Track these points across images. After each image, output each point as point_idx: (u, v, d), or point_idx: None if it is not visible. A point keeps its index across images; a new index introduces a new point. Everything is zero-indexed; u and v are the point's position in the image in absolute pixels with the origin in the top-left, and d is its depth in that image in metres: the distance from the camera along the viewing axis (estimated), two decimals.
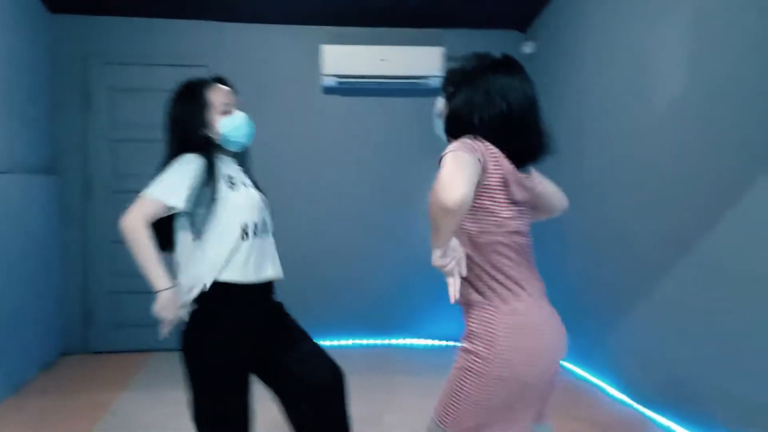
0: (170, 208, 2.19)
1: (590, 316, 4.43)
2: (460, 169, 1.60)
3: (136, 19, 5.21)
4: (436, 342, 5.44)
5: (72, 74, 5.16)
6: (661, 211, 3.62)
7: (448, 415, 1.80)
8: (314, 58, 5.32)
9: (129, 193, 5.05)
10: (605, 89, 4.29)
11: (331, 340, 5.31)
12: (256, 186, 2.43)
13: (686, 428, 3.34)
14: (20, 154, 4.46)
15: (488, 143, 1.77)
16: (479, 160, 1.69)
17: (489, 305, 1.78)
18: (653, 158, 3.69)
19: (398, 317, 5.49)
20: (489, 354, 1.74)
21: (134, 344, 5.21)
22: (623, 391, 4.00)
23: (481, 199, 1.76)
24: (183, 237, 2.25)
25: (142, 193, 2.20)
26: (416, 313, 5.48)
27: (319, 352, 2.38)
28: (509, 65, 1.90)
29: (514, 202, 1.81)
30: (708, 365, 3.18)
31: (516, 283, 1.80)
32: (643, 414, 3.71)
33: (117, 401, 3.97)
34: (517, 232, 1.83)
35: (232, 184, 2.28)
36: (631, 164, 3.94)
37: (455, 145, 1.71)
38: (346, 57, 5.21)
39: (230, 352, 2.19)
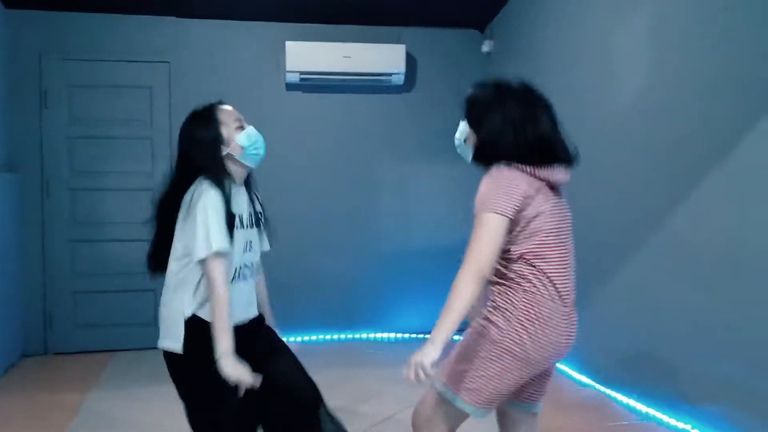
0: (227, 253, 2.13)
1: None
2: (492, 236, 1.85)
3: (93, 14, 5.12)
4: (402, 335, 5.51)
5: (29, 70, 5.04)
6: (622, 202, 3.79)
7: (456, 376, 1.95)
8: (278, 54, 5.34)
9: (88, 191, 5.10)
10: (562, 87, 4.44)
11: (298, 336, 5.34)
12: (257, 216, 2.44)
13: (646, 405, 3.51)
14: None
15: (521, 167, 1.95)
16: (516, 207, 1.89)
17: (519, 287, 1.93)
18: (614, 152, 3.86)
19: (365, 312, 5.54)
20: (505, 327, 1.91)
21: (96, 344, 5.13)
22: (585, 374, 4.15)
23: (529, 226, 1.94)
24: (177, 264, 2.20)
25: (206, 256, 2.07)
26: (382, 308, 5.55)
27: (298, 366, 2.38)
28: (529, 93, 2.09)
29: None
30: (666, 344, 3.36)
31: (542, 275, 1.94)
32: (605, 394, 3.88)
33: (86, 400, 3.92)
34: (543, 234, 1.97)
35: (241, 223, 2.26)
36: (592, 158, 4.09)
37: (488, 199, 1.88)
38: (309, 54, 5.26)
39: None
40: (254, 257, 2.36)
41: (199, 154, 2.21)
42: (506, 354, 1.90)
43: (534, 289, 1.92)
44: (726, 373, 2.96)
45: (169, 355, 2.21)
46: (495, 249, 1.87)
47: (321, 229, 5.50)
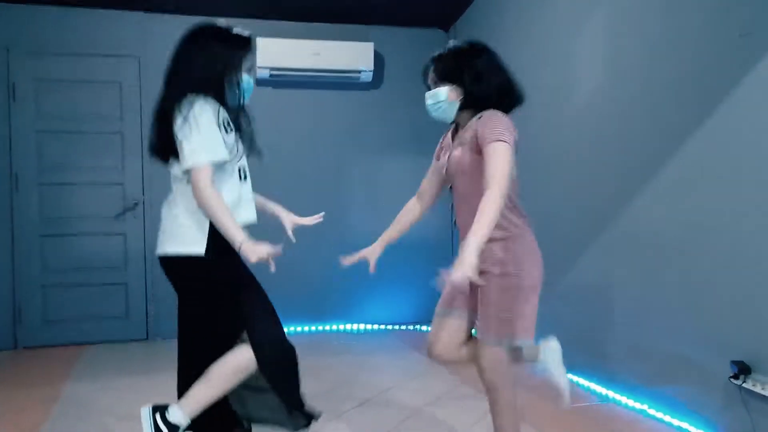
0: (219, 162, 2.24)
1: None
2: (509, 165, 2.21)
3: (62, 8, 5.13)
4: (372, 326, 5.65)
5: None
6: (580, 194, 3.99)
7: (506, 325, 2.34)
8: None
9: (57, 186, 5.11)
10: (526, 86, 4.62)
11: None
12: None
13: (606, 387, 3.73)
14: None
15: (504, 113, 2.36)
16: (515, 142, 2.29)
17: (511, 238, 2.34)
18: (573, 146, 4.06)
19: (335, 304, 5.67)
20: (521, 271, 2.34)
21: (66, 338, 5.15)
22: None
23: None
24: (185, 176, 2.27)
25: (193, 165, 2.17)
26: (352, 300, 5.68)
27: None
28: (483, 47, 2.45)
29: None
30: (623, 328, 3.57)
31: (525, 224, 2.42)
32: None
33: (63, 392, 3.95)
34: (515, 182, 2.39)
35: (230, 128, 2.35)
36: (553, 152, 4.30)
37: (505, 133, 2.26)
38: (279, 50, 5.35)
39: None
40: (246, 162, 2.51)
41: (209, 71, 2.28)
42: (527, 293, 2.35)
43: (522, 238, 2.37)
44: (679, 353, 3.19)
45: (186, 261, 2.30)
46: (510, 173, 2.21)
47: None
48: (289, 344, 2.50)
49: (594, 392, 3.80)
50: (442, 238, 5.90)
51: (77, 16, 5.17)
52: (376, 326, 5.65)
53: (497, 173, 2.15)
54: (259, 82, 5.50)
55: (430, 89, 2.48)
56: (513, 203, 2.38)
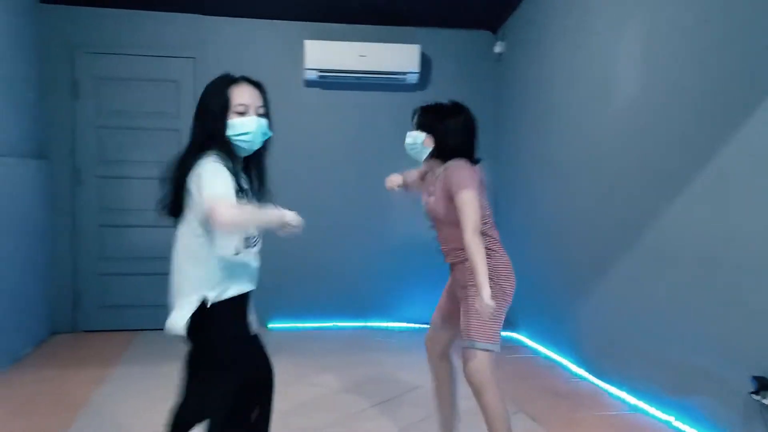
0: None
1: (553, 299, 4.79)
2: (477, 207, 2.56)
3: (123, 10, 5.38)
4: (409, 325, 5.73)
5: (60, 63, 5.32)
6: (615, 201, 3.98)
7: (487, 331, 2.62)
8: (297, 52, 5.57)
9: (116, 179, 5.38)
10: (566, 89, 4.62)
11: (310, 322, 5.62)
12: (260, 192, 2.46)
13: (636, 397, 3.71)
14: (11, 138, 4.62)
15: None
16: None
17: (490, 258, 2.59)
18: (610, 151, 4.04)
19: (375, 302, 5.78)
20: (493, 283, 2.56)
21: (120, 324, 5.44)
22: (582, 366, 4.36)
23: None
24: (189, 234, 2.27)
25: (212, 197, 2.07)
26: (391, 298, 5.78)
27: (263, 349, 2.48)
28: (461, 109, 2.80)
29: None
30: (653, 338, 3.55)
31: (497, 242, 2.74)
32: (598, 386, 4.08)
33: (110, 374, 4.21)
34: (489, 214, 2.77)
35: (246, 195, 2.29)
36: (590, 157, 4.29)
37: (468, 181, 2.59)
38: (327, 52, 5.48)
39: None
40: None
41: (202, 123, 2.31)
42: (503, 300, 2.66)
43: (495, 253, 2.68)
44: (702, 366, 3.16)
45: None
46: (480, 214, 2.58)
47: (335, 221, 5.73)
48: None
49: (623, 401, 3.79)
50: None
51: (137, 18, 5.42)
52: (414, 325, 5.73)
53: (469, 220, 2.53)
54: (308, 84, 5.66)
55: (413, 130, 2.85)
56: (483, 229, 2.63)
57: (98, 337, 5.26)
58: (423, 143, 2.78)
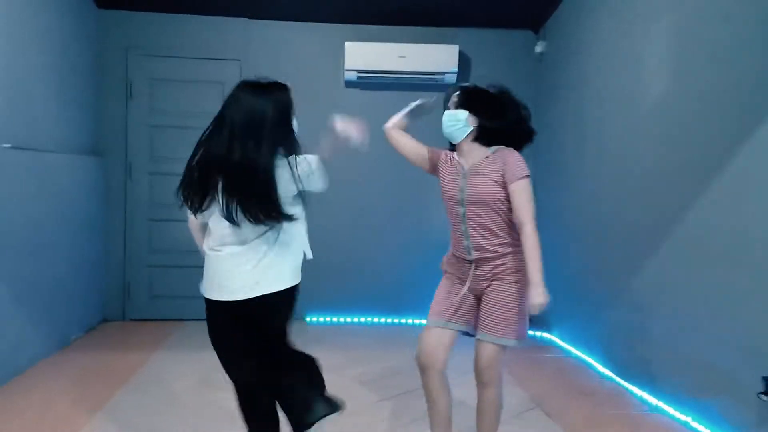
0: None
1: (586, 300, 4.77)
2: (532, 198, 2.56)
3: (173, 15, 5.66)
4: None
5: (115, 65, 5.64)
6: (646, 202, 3.94)
7: (519, 329, 2.63)
8: (337, 54, 5.73)
9: (165, 175, 5.65)
10: (602, 88, 4.60)
11: (348, 317, 5.76)
12: None
13: (657, 398, 3.68)
14: (68, 136, 4.94)
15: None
16: None
17: (519, 251, 2.59)
18: (639, 153, 4.02)
19: (409, 299, 5.86)
20: (524, 282, 2.58)
21: (166, 314, 5.70)
22: (608, 367, 4.34)
23: None
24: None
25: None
26: (426, 296, 5.83)
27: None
28: (508, 93, 2.72)
29: None
30: (675, 339, 3.52)
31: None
32: (622, 386, 4.06)
33: (150, 359, 4.45)
34: None
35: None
36: (621, 158, 4.26)
37: (526, 170, 2.57)
38: (367, 53, 5.61)
39: None
40: None
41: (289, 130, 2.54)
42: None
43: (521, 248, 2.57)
44: (720, 366, 3.12)
45: (278, 295, 2.47)
46: None
47: (374, 219, 5.86)
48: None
49: (645, 401, 3.76)
50: None
51: (187, 22, 5.69)
52: None
53: (529, 208, 2.51)
54: (348, 84, 5.80)
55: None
56: (515, 232, 2.62)
57: (145, 325, 5.54)
58: (467, 121, 2.67)
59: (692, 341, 3.39)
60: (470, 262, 2.67)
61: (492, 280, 2.64)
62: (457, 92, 2.74)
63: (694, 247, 3.42)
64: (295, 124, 2.57)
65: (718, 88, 3.27)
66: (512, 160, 2.57)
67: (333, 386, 3.93)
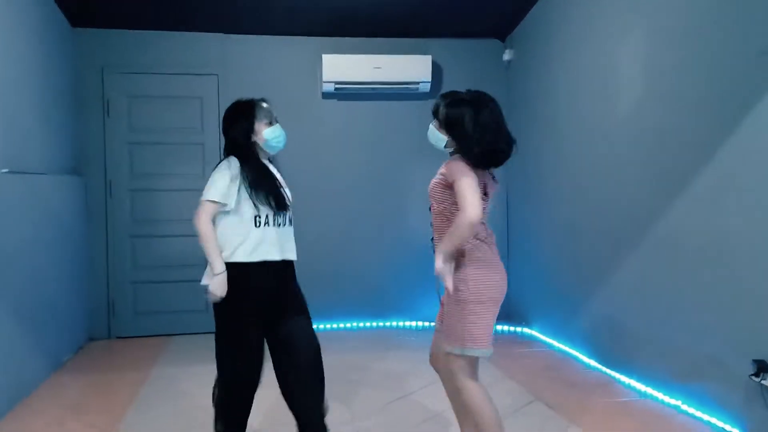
0: (222, 204, 2.78)
1: (565, 294, 5.02)
2: (476, 192, 2.48)
3: (148, 32, 5.69)
4: (429, 323, 5.96)
5: (92, 83, 5.63)
6: (622, 199, 4.20)
7: (462, 335, 2.59)
8: (315, 66, 5.86)
9: (145, 192, 5.69)
10: (573, 94, 4.86)
11: (334, 323, 5.87)
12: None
13: (645, 384, 3.94)
14: (48, 156, 4.92)
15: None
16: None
17: (464, 257, 2.64)
18: (616, 153, 4.27)
19: (394, 301, 6.03)
20: (467, 287, 2.61)
21: (154, 329, 5.72)
22: (593, 358, 4.59)
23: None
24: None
25: (202, 198, 2.78)
26: (409, 298, 6.02)
27: (308, 332, 2.94)
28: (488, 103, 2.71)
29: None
30: (660, 328, 3.78)
31: (479, 240, 2.69)
32: (610, 376, 4.31)
33: (150, 377, 4.48)
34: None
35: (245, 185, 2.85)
36: (598, 157, 4.52)
37: (463, 170, 2.55)
38: (343, 65, 5.75)
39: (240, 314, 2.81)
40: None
41: (231, 139, 2.92)
42: (477, 304, 2.58)
43: (479, 252, 2.66)
44: (706, 352, 3.39)
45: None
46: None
47: (354, 226, 6.01)
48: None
49: (633, 388, 4.02)
50: (499, 240, 6.18)
51: (163, 38, 5.72)
52: (433, 323, 5.94)
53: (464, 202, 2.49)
54: (325, 95, 5.93)
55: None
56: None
57: (133, 342, 5.55)
58: (447, 143, 2.74)
59: (676, 330, 3.65)
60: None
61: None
62: (443, 109, 2.70)
63: (672, 242, 3.69)
64: (268, 131, 2.95)
65: (690, 92, 3.53)
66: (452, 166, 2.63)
67: (336, 392, 4.07)
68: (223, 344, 2.86)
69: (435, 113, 2.76)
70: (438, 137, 2.76)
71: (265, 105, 2.98)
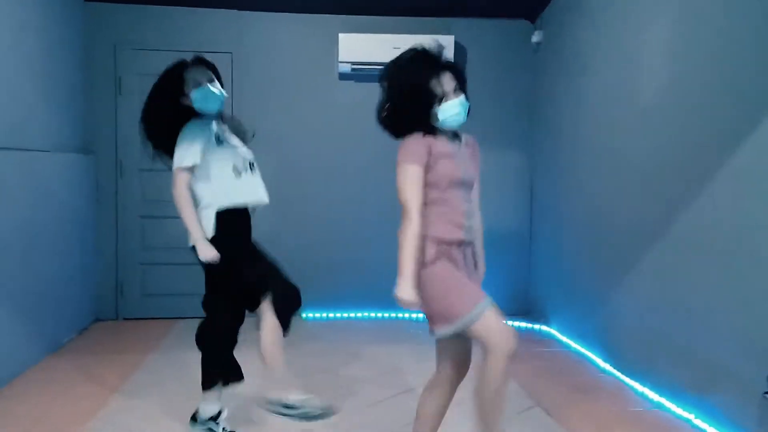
0: (191, 167, 2.95)
1: (584, 292, 4.72)
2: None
3: (163, 7, 5.55)
4: None
5: (104, 60, 5.53)
6: (644, 195, 3.88)
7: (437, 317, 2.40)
8: (331, 45, 5.63)
9: (157, 172, 5.54)
10: (603, 80, 4.53)
11: (344, 312, 5.70)
12: (242, 137, 3.20)
13: (659, 394, 3.63)
14: (58, 134, 4.84)
15: None
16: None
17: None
18: (640, 145, 3.95)
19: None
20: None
21: (160, 312, 5.63)
22: (608, 361, 4.29)
23: None
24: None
25: (174, 169, 2.95)
26: None
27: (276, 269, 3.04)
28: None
29: None
30: (678, 335, 3.47)
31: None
32: (622, 381, 4.01)
33: (146, 361, 4.37)
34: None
35: (219, 141, 3.01)
36: (620, 150, 4.19)
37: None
38: (361, 45, 5.52)
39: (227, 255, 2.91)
40: (248, 156, 3.08)
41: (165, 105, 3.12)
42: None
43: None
44: (723, 363, 3.07)
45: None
46: None
47: (366, 212, 5.77)
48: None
49: (646, 397, 3.72)
50: (521, 231, 5.90)
51: (177, 14, 5.58)
52: None
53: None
54: (342, 77, 5.70)
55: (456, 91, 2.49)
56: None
57: (139, 324, 5.47)
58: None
59: (695, 337, 3.34)
60: (468, 243, 2.51)
61: (475, 263, 2.61)
62: (452, 72, 2.50)
63: (696, 241, 3.37)
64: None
65: (720, 81, 3.20)
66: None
67: (330, 385, 3.89)
68: (218, 281, 3.04)
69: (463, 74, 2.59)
70: (464, 103, 2.54)
71: (198, 66, 3.13)
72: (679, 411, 3.41)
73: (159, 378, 4.04)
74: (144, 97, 5.47)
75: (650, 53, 3.86)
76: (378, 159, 5.80)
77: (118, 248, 5.63)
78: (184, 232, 5.49)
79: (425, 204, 2.46)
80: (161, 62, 5.57)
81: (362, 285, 5.78)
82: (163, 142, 3.09)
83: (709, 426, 3.17)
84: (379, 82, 2.58)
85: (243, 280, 2.93)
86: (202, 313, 3.12)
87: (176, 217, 5.56)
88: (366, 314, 5.80)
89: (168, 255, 5.63)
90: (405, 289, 2.32)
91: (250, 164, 3.06)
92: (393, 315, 5.78)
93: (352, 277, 5.78)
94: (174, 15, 5.58)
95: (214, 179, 2.94)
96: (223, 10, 5.61)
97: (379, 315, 5.80)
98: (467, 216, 2.48)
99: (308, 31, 5.72)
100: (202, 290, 3.11)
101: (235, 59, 5.64)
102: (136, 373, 4.12)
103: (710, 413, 3.18)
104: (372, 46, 5.51)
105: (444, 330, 2.35)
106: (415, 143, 2.43)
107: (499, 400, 2.32)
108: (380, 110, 2.57)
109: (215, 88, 3.03)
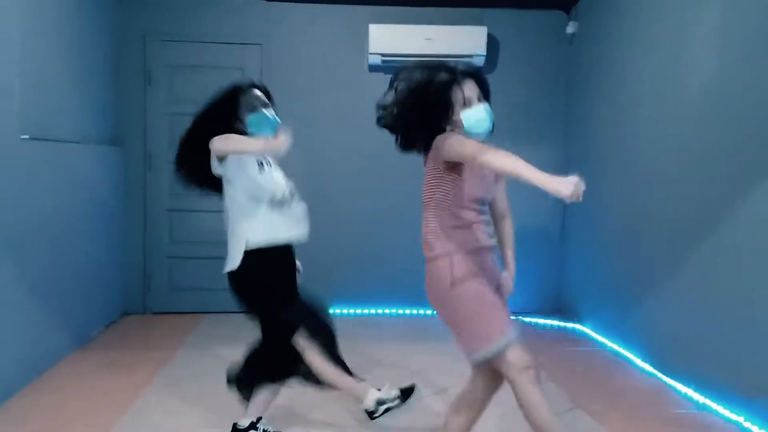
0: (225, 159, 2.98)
1: (621, 291, 4.57)
2: None
3: None
4: None
5: (133, 51, 5.48)
6: (687, 193, 3.74)
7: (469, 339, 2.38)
8: (361, 36, 5.53)
9: None
10: (641, 72, 4.38)
11: (367, 308, 5.61)
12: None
13: (703, 395, 3.50)
14: (87, 126, 4.80)
15: None
16: None
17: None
18: (682, 141, 3.80)
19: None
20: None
21: (188, 306, 5.59)
22: (648, 361, 4.15)
23: None
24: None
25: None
26: None
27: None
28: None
29: None
30: (725, 337, 3.32)
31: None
32: (664, 382, 3.87)
33: (174, 356, 4.32)
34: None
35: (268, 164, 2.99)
36: (662, 147, 4.05)
37: None
38: (391, 36, 5.41)
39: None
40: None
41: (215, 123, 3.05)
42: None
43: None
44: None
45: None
46: None
47: (396, 206, 5.66)
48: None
49: (691, 399, 3.58)
50: (553, 228, 5.77)
51: (207, 5, 5.52)
52: None
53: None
54: (372, 68, 5.60)
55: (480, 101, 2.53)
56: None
57: (167, 318, 5.43)
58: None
59: (742, 340, 3.20)
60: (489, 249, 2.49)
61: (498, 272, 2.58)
62: (473, 80, 2.52)
63: (744, 241, 3.22)
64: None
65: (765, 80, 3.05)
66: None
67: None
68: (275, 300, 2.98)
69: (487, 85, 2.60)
70: (489, 110, 2.60)
71: (254, 91, 3.06)
72: (726, 413, 3.28)
73: (188, 373, 3.98)
74: (174, 89, 5.47)
75: (694, 46, 3.71)
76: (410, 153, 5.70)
77: (145, 242, 5.59)
78: (212, 228, 5.51)
79: (440, 214, 2.54)
80: (190, 53, 5.59)
81: (390, 281, 5.68)
82: (201, 167, 3.04)
83: (760, 429, 3.03)
84: (391, 82, 2.58)
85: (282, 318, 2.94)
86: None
87: (203, 210, 5.62)
88: (392, 311, 5.70)
89: (195, 249, 5.59)
90: (556, 181, 2.14)
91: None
92: (419, 312, 5.69)
93: (380, 272, 5.69)
94: (203, 6, 5.52)
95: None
96: (252, 0, 5.53)
97: (406, 312, 5.71)
98: (485, 224, 2.48)
99: (338, 22, 5.62)
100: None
101: (264, 50, 5.57)
102: (166, 368, 4.07)
103: (762, 416, 3.04)
104: (403, 37, 5.40)
105: (471, 356, 2.35)
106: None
107: (547, 417, 2.27)
108: (382, 111, 2.62)
109: (269, 113, 2.98)
